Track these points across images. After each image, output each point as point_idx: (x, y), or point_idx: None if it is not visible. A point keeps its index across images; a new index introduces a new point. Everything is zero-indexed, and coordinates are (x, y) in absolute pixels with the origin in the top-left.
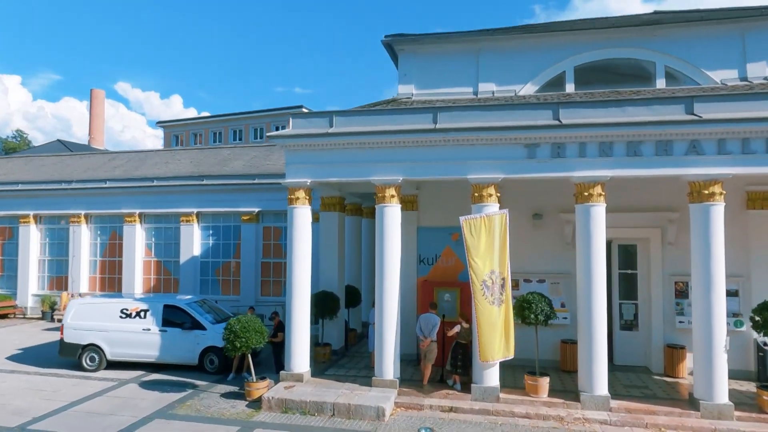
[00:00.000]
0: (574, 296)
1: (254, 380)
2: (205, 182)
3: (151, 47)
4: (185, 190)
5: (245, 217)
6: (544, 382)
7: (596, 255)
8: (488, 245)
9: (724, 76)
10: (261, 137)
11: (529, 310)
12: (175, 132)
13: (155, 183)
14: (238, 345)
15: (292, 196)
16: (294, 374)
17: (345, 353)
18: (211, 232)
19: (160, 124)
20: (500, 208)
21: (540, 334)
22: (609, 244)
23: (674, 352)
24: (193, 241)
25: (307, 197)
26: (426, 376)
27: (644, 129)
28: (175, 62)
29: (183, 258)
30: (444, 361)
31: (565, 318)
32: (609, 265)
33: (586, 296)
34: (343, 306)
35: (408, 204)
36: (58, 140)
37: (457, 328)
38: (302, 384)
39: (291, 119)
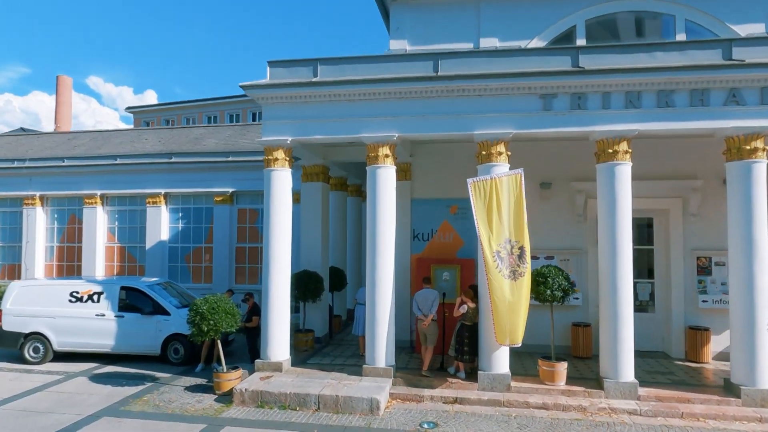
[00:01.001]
0: (585, 274)
1: (224, 370)
2: (174, 160)
3: (125, 41)
4: (152, 168)
5: (218, 198)
6: (562, 368)
7: (621, 222)
8: (500, 210)
9: (750, 30)
10: (238, 122)
11: (544, 285)
12: (146, 118)
13: (119, 161)
14: (206, 329)
15: (270, 157)
16: (271, 363)
17: (329, 341)
18: (180, 214)
19: (130, 110)
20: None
21: (548, 318)
22: None
23: (697, 334)
24: (161, 225)
25: (287, 159)
26: (426, 362)
27: (678, 75)
28: (149, 57)
29: (149, 243)
30: (445, 347)
31: (577, 299)
32: None
33: (610, 270)
34: (328, 288)
35: (401, 173)
36: (21, 128)
37: (463, 308)
38: (281, 374)
39: (269, 68)
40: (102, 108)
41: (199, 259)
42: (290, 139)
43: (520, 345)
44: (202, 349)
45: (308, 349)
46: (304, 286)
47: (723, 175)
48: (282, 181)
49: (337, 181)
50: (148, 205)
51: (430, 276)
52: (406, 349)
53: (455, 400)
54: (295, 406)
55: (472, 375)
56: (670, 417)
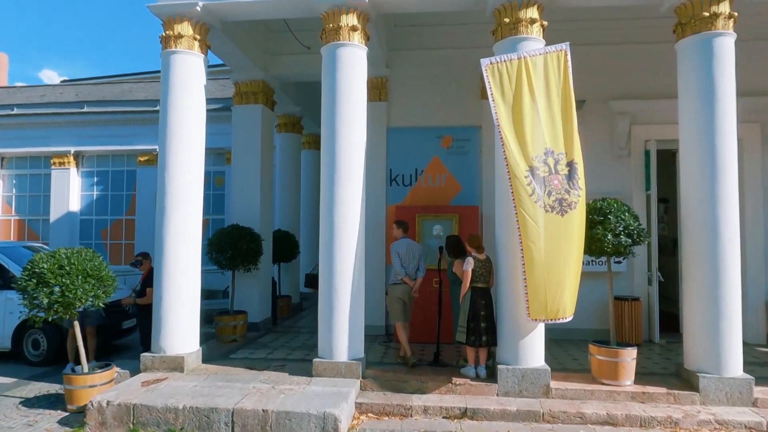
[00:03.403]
0: None
1: (85, 370)
2: (86, 110)
3: (81, 33)
4: (59, 121)
5: (143, 158)
6: (629, 358)
7: (723, 136)
8: (535, 105)
9: None
10: None
11: (602, 226)
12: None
13: (15, 111)
14: (46, 301)
15: (170, 33)
16: (167, 358)
17: (272, 327)
18: (95, 179)
19: (66, 83)
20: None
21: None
22: (662, 154)
23: None
24: (70, 192)
25: (198, 38)
26: (407, 348)
27: None
28: (105, 48)
29: (55, 215)
30: (440, 330)
31: (618, 262)
32: (666, 185)
33: (708, 215)
34: (270, 256)
35: (373, 91)
36: None
37: (469, 263)
38: (181, 376)
39: None
40: None
41: (119, 234)
42: (202, 3)
43: (569, 318)
44: (68, 339)
45: (237, 339)
46: (231, 245)
47: None
48: (188, 70)
49: (287, 120)
50: (53, 167)
51: (415, 230)
52: (381, 337)
53: (464, 414)
54: (192, 430)
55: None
56: None
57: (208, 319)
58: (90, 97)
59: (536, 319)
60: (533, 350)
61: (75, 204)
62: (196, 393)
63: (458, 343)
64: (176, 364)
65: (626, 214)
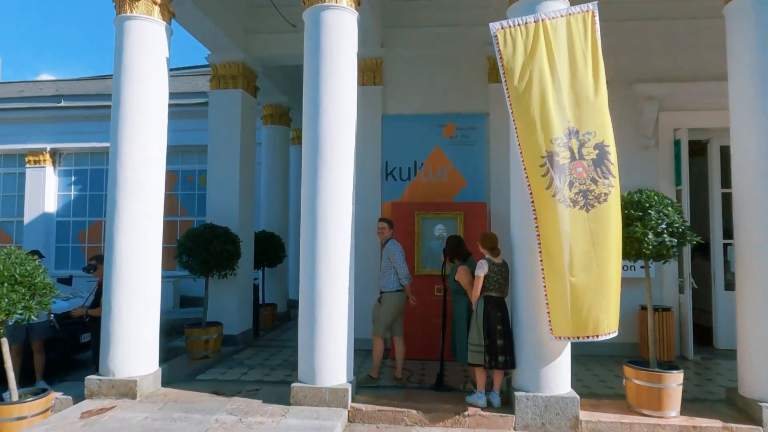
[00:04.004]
0: None
1: (13, 398)
2: (63, 104)
3: (80, 35)
4: (34, 116)
5: None
6: (675, 383)
7: None
8: (556, 77)
9: None
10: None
11: (642, 224)
12: None
13: None
14: None
15: None
16: (116, 382)
17: (252, 341)
18: (73, 178)
19: (48, 80)
20: None
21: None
22: (697, 145)
23: None
24: (46, 192)
25: (158, 1)
26: (399, 367)
27: None
28: (104, 50)
29: (29, 216)
30: (444, 347)
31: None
32: (700, 179)
33: None
34: (252, 260)
35: (366, 74)
36: None
37: (483, 267)
38: (132, 403)
39: None
40: None
41: (98, 237)
42: None
43: (611, 335)
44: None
45: (210, 355)
46: (203, 247)
47: None
48: (147, 39)
49: (274, 111)
50: (28, 165)
51: (414, 229)
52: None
53: None
54: None
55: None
56: None
57: (181, 331)
58: (70, 93)
59: (560, 337)
60: (558, 375)
61: (51, 204)
62: (145, 428)
63: (469, 365)
64: (127, 390)
65: (669, 208)
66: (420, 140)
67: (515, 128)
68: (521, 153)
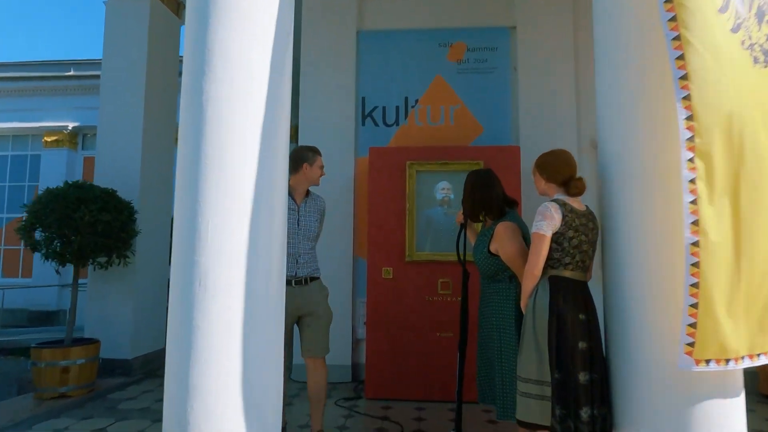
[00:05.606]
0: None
1: None
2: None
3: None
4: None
5: (50, 139)
6: None
7: None
8: None
9: None
10: None
11: None
12: None
13: None
14: None
15: None
16: None
17: (158, 369)
18: None
19: None
20: None
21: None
22: None
23: None
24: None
25: None
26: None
27: None
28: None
29: None
30: (462, 374)
31: None
32: None
33: None
34: (167, 248)
35: None
36: None
37: (549, 217)
38: None
39: None
40: None
41: (15, 239)
42: None
43: None
44: None
45: (72, 392)
46: (65, 216)
47: None
48: None
49: None
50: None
51: (405, 189)
52: (344, 386)
53: None
54: None
55: None
56: None
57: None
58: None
59: (702, 361)
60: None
61: None
62: None
63: (519, 423)
64: None
65: None
66: (414, 67)
67: None
68: None
